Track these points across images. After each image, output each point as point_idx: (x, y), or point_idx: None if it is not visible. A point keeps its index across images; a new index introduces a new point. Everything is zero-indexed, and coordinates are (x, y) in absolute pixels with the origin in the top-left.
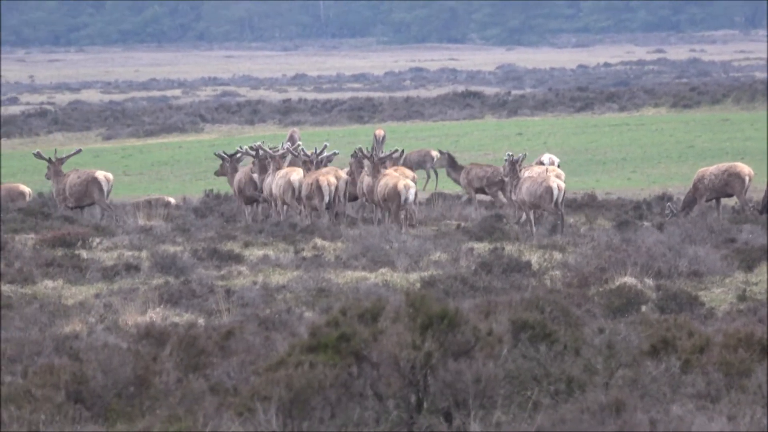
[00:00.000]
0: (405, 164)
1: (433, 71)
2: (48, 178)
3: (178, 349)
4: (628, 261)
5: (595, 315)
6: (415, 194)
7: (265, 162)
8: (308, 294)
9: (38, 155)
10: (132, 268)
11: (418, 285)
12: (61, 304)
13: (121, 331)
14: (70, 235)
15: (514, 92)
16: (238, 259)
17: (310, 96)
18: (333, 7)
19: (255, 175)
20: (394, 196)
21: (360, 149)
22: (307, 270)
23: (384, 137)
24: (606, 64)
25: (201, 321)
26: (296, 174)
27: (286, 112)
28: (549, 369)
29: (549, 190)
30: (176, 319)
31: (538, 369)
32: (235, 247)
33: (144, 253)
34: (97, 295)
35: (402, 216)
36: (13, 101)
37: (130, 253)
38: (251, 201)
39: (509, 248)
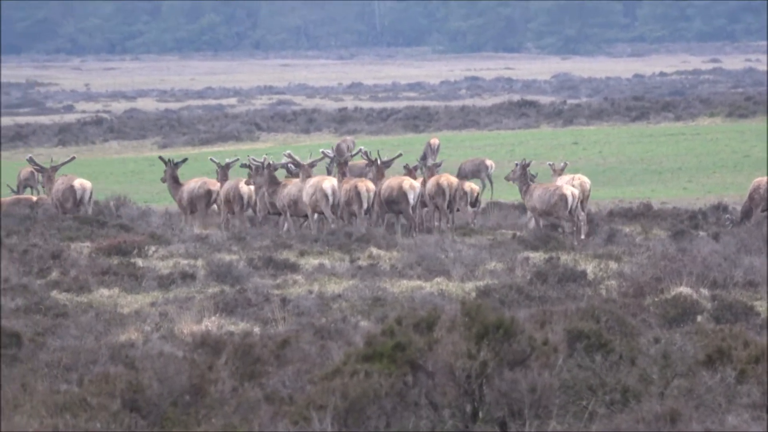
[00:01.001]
0: (460, 173)
1: (489, 80)
2: (44, 186)
3: (233, 357)
4: (684, 271)
5: (650, 325)
6: (420, 196)
7: (309, 171)
8: (364, 303)
9: (31, 161)
10: (188, 276)
11: (474, 294)
12: (116, 312)
13: (177, 340)
14: (125, 243)
15: (569, 101)
16: (293, 268)
17: (366, 105)
18: (389, 15)
19: (245, 186)
20: (401, 196)
21: (366, 153)
22: (363, 279)
23: (438, 146)
24: (661, 74)
25: (256, 330)
26: (328, 182)
27: (341, 120)
28: (604, 378)
29: (563, 197)
30: (232, 328)
31: (593, 378)
32: (290, 256)
33: (200, 262)
34: (152, 304)
35: (446, 221)
36: (69, 109)
37: (185, 262)
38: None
39: (565, 258)
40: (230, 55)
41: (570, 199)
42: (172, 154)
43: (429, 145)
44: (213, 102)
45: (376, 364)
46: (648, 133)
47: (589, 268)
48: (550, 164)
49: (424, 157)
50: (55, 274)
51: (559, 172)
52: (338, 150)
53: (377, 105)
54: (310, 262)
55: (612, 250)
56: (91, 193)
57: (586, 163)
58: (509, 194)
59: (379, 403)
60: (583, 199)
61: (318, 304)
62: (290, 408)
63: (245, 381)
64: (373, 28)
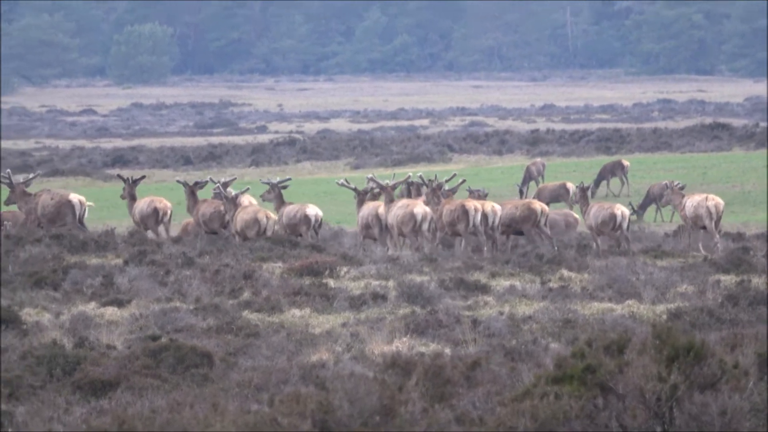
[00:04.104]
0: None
1: (681, 102)
2: (8, 203)
3: (423, 378)
4: None
5: None
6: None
7: (364, 196)
8: (554, 325)
9: (7, 176)
10: (379, 297)
11: (665, 317)
12: (308, 332)
13: (368, 361)
14: (317, 263)
15: (762, 124)
16: (484, 289)
17: (558, 126)
18: (582, 37)
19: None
20: (463, 217)
21: (420, 176)
22: (554, 301)
23: (627, 168)
24: None
25: (447, 351)
26: (419, 207)
27: (533, 142)
28: None
29: (612, 216)
30: (422, 349)
31: None
32: (481, 277)
33: (391, 283)
34: (343, 324)
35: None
36: (263, 130)
37: (377, 283)
38: (214, 233)
39: (756, 281)
40: (423, 76)
41: (619, 217)
42: (364, 175)
43: (621, 165)
44: (405, 123)
45: (566, 387)
46: None
47: None
48: (666, 183)
49: (598, 181)
50: (246, 294)
51: (676, 189)
52: (528, 172)
53: (569, 127)
54: (501, 283)
55: None
56: (86, 208)
57: None
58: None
59: (569, 425)
60: (717, 219)
61: (508, 326)
62: (480, 429)
63: (435, 402)
64: (566, 50)
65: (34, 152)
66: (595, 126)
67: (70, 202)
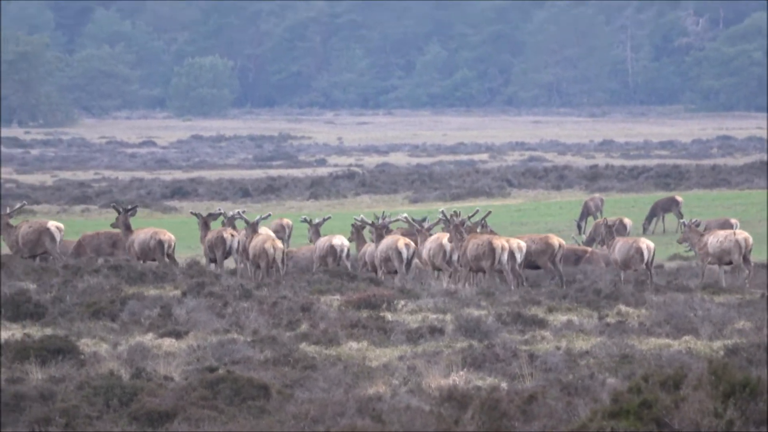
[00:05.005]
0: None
1: (741, 139)
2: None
3: (480, 412)
4: None
5: None
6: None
7: (382, 231)
8: (611, 360)
9: None
10: (436, 331)
11: (722, 353)
12: (365, 365)
13: (424, 394)
14: (375, 296)
15: None
16: (541, 323)
17: (617, 162)
18: (642, 73)
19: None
20: (489, 253)
21: (443, 212)
22: (611, 336)
23: (681, 203)
24: None
25: (504, 385)
26: (447, 239)
27: (592, 178)
28: None
29: (639, 250)
30: (479, 383)
31: None
32: (539, 311)
33: (448, 317)
34: (401, 358)
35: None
36: (322, 163)
37: (434, 316)
38: (215, 260)
39: None
40: (482, 110)
41: (646, 252)
42: (423, 209)
43: (675, 201)
44: (464, 157)
45: (623, 422)
46: None
47: None
48: (683, 222)
49: (650, 217)
50: (304, 327)
51: (693, 227)
52: (586, 207)
53: (628, 163)
54: (559, 318)
55: None
56: (62, 234)
57: None
58: (757, 253)
59: None
60: (746, 252)
61: (565, 361)
62: None
63: None
64: (626, 86)
65: (93, 183)
66: (654, 162)
67: (48, 230)
